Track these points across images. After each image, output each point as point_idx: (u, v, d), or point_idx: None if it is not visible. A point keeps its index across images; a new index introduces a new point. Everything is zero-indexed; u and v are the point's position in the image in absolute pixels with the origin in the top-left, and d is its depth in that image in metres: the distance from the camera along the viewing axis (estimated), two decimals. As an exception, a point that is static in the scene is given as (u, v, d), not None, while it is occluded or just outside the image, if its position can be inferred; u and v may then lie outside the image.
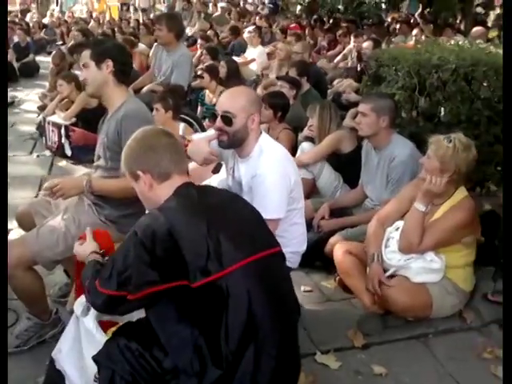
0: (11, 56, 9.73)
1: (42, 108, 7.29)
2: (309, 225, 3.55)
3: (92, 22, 13.78)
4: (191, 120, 5.00)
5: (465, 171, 2.69)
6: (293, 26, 10.86)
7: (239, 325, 1.70)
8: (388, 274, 2.73)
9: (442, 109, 3.61)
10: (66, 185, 2.52)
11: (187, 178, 1.95)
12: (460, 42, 3.98)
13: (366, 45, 6.43)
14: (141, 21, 13.99)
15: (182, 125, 4.28)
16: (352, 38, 8.25)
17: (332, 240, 3.25)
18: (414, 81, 3.53)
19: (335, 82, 7.17)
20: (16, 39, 10.66)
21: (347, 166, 3.87)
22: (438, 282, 2.71)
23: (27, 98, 8.44)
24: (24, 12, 17.16)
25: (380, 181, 3.40)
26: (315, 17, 12.29)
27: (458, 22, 12.17)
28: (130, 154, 1.94)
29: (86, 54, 2.60)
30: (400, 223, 2.79)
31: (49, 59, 9.55)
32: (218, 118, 2.49)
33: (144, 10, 16.54)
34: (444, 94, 3.54)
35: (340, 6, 10.94)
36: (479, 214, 2.97)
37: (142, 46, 8.80)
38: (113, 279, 1.73)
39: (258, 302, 1.74)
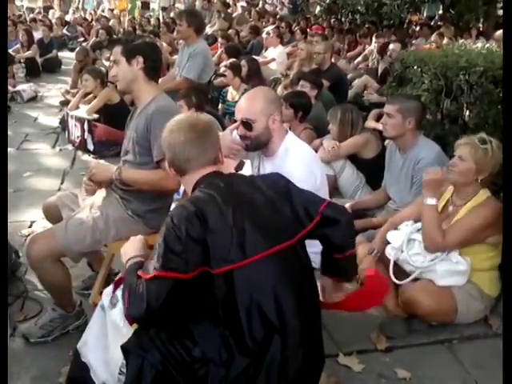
0: (35, 52, 9.84)
1: (64, 103, 7.37)
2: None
3: (113, 20, 13.86)
4: (213, 117, 5.00)
5: (495, 173, 2.68)
6: (315, 27, 10.82)
7: (263, 315, 1.73)
8: (413, 276, 2.71)
9: (468, 112, 3.58)
10: (99, 167, 2.68)
11: (210, 169, 1.98)
12: (487, 45, 3.95)
13: (393, 46, 6.38)
14: (161, 19, 14.06)
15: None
16: (373, 38, 8.23)
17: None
18: (441, 83, 3.51)
19: (355, 83, 7.16)
20: (39, 35, 10.75)
21: (369, 171, 3.86)
22: (463, 287, 2.68)
23: (50, 93, 8.53)
24: (47, 9, 17.34)
25: (404, 183, 3.38)
26: (335, 17, 12.25)
27: (480, 24, 12.03)
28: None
29: (118, 50, 2.61)
30: (421, 224, 2.78)
31: (70, 55, 9.68)
32: (240, 126, 2.48)
33: (164, 9, 16.62)
34: (471, 96, 3.51)
35: (360, 8, 10.84)
36: (505, 219, 2.93)
37: (162, 44, 8.86)
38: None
39: (283, 293, 1.77)
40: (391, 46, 6.61)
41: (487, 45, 3.98)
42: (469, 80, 3.45)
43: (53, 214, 2.87)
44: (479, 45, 4.08)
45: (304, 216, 1.95)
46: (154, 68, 2.69)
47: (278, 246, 1.83)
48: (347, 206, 3.65)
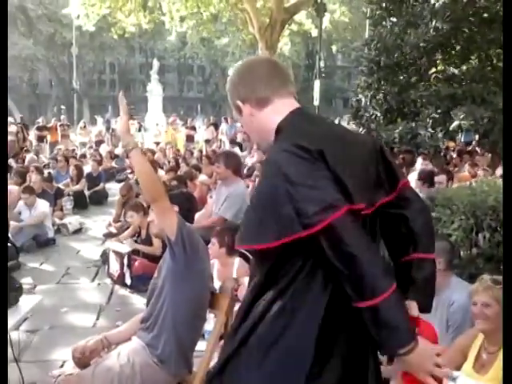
0: (83, 185, 10.42)
1: (107, 235, 7.65)
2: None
3: (158, 153, 14.66)
4: (248, 254, 5.07)
5: None
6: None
7: None
8: None
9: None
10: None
11: (294, 101, 1.74)
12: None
13: (439, 178, 6.36)
14: (204, 151, 14.79)
15: (236, 260, 4.34)
16: (420, 159, 8.28)
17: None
18: (471, 221, 3.51)
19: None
20: (89, 169, 11.45)
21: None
22: None
23: (95, 224, 8.88)
24: (98, 143, 18.59)
25: (439, 326, 3.25)
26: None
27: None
28: (230, 86, 1.78)
29: None
30: (456, 373, 2.65)
31: (117, 186, 10.19)
32: None
33: (207, 141, 17.54)
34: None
35: (394, 139, 11.16)
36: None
37: (203, 177, 9.26)
38: (267, 230, 1.50)
39: None
40: (437, 178, 6.52)
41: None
42: (498, 218, 3.44)
43: (82, 358, 2.90)
44: None
45: (386, 181, 1.72)
46: (187, 216, 2.86)
47: (364, 207, 1.59)
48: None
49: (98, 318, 4.92)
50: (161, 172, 11.60)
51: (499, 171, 7.95)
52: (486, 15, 10.88)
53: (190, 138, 19.44)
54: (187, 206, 2.89)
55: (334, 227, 1.42)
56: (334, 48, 38.69)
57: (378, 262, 1.46)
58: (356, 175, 1.57)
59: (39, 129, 18.07)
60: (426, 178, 6.52)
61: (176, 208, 2.76)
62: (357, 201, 1.53)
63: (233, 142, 16.15)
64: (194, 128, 20.80)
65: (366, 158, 1.68)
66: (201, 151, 15.12)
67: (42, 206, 7.56)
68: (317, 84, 18.72)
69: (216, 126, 19.96)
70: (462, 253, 3.67)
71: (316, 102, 18.51)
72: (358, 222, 1.50)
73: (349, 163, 1.56)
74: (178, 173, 9.65)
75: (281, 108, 1.68)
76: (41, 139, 17.69)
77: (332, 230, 1.42)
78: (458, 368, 2.76)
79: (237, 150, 14.24)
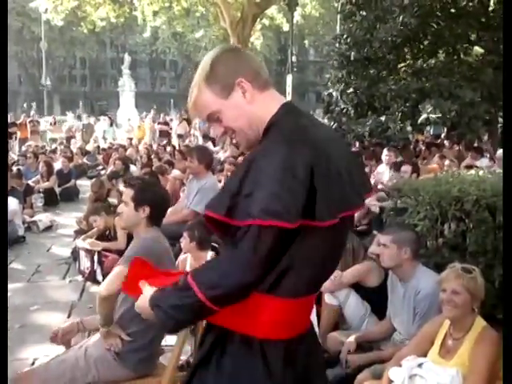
0: (53, 182, 10.26)
1: (78, 232, 7.56)
2: (336, 360, 3.47)
3: (130, 149, 14.55)
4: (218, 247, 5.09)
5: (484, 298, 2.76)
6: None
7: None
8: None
9: (467, 239, 3.61)
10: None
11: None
12: (480, 173, 4.08)
13: (405, 168, 6.46)
14: (177, 146, 14.72)
15: (209, 254, 4.36)
16: (385, 151, 8.39)
17: (360, 377, 3.13)
18: (436, 212, 3.58)
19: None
20: (59, 166, 11.27)
21: (374, 300, 3.83)
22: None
23: (65, 221, 8.77)
24: (69, 139, 18.34)
25: (407, 314, 3.34)
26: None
27: (484, 141, 12.46)
28: (225, 61, 1.57)
29: (129, 193, 2.79)
30: (422, 359, 2.73)
31: (89, 183, 10.08)
32: None
33: (180, 136, 17.46)
34: (468, 224, 3.57)
35: (364, 133, 11.28)
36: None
37: (176, 172, 9.23)
38: (223, 202, 1.53)
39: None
40: (403, 168, 6.65)
41: (480, 172, 4.11)
42: (464, 208, 3.52)
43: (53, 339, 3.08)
44: (472, 172, 4.21)
45: (362, 186, 1.68)
46: (158, 217, 2.86)
47: (347, 213, 1.57)
48: (352, 338, 3.58)
49: (69, 316, 4.87)
50: (133, 168, 11.55)
51: (465, 162, 8.13)
52: (453, 10, 11.07)
53: (162, 134, 19.33)
54: (160, 205, 2.79)
55: (259, 232, 1.40)
56: (306, 42, 38.86)
57: (241, 286, 1.46)
58: (336, 190, 1.50)
59: (8, 125, 17.76)
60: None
61: (147, 209, 2.75)
62: (322, 218, 1.45)
63: (206, 136, 16.10)
64: (167, 123, 20.67)
65: (351, 165, 1.63)
66: (174, 146, 15.04)
67: (12, 203, 7.44)
68: (289, 78, 18.78)
69: (189, 121, 19.87)
70: (427, 242, 3.75)
71: (289, 97, 18.54)
72: (278, 247, 1.45)
73: (334, 176, 1.51)
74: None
75: (275, 96, 1.61)
76: (10, 136, 17.36)
77: (255, 233, 1.40)
78: (426, 355, 2.83)
79: (209, 144, 14.23)
